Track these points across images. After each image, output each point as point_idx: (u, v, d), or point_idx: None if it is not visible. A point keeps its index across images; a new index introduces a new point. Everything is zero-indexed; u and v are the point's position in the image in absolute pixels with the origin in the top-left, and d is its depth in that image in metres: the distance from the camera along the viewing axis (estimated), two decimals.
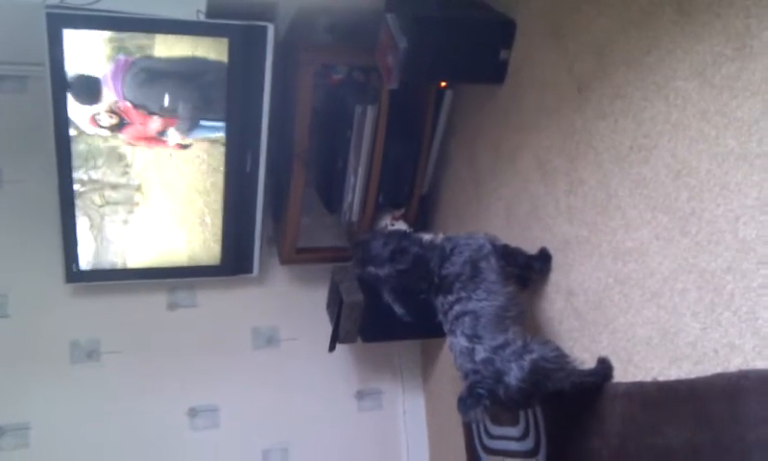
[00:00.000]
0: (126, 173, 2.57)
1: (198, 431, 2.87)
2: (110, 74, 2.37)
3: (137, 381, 2.80)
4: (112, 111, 2.43)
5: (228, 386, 2.91)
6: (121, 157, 2.54)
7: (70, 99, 2.36)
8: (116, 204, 2.60)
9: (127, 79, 2.39)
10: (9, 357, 2.66)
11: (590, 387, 1.77)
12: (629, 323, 1.70)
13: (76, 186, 2.52)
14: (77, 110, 2.38)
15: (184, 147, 2.57)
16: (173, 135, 2.53)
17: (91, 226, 2.61)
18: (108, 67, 2.35)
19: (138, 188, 2.61)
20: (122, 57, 2.34)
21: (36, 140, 2.51)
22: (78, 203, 2.54)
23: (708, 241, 1.47)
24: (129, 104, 2.43)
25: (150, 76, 2.41)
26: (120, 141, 2.51)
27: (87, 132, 2.45)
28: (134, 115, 2.45)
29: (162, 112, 2.48)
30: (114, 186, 2.57)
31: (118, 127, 2.46)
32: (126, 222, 2.65)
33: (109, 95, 2.40)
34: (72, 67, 2.32)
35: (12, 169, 2.64)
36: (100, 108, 2.41)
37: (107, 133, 2.47)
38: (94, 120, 2.43)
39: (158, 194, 2.63)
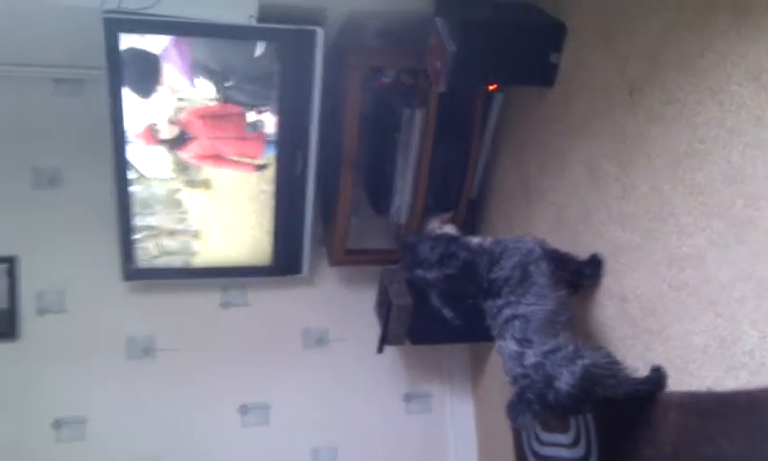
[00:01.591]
0: (183, 220, 2.57)
1: (249, 428, 2.92)
2: (173, 40, 2.28)
3: (191, 378, 2.87)
4: (173, 122, 2.41)
5: (279, 385, 2.95)
6: (178, 204, 2.54)
7: (126, 96, 2.33)
8: (172, 254, 2.60)
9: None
10: (66, 352, 2.75)
11: (644, 395, 1.75)
12: (684, 330, 1.67)
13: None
14: (131, 115, 2.37)
15: (260, 168, 2.56)
16: (269, 123, 2.48)
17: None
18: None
19: (196, 235, 2.62)
20: None
21: (93, 141, 2.58)
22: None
23: (765, 250, 1.43)
24: (199, 76, 2.33)
25: None
26: (179, 182, 2.46)
27: (145, 175, 2.45)
28: (200, 127, 2.41)
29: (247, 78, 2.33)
30: (171, 233, 2.58)
31: (179, 142, 2.45)
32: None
33: (171, 74, 2.32)
34: (123, 45, 2.27)
35: (70, 169, 2.73)
36: (158, 108, 2.36)
37: (164, 151, 2.42)
38: (151, 133, 2.42)
39: (218, 237, 2.62)
